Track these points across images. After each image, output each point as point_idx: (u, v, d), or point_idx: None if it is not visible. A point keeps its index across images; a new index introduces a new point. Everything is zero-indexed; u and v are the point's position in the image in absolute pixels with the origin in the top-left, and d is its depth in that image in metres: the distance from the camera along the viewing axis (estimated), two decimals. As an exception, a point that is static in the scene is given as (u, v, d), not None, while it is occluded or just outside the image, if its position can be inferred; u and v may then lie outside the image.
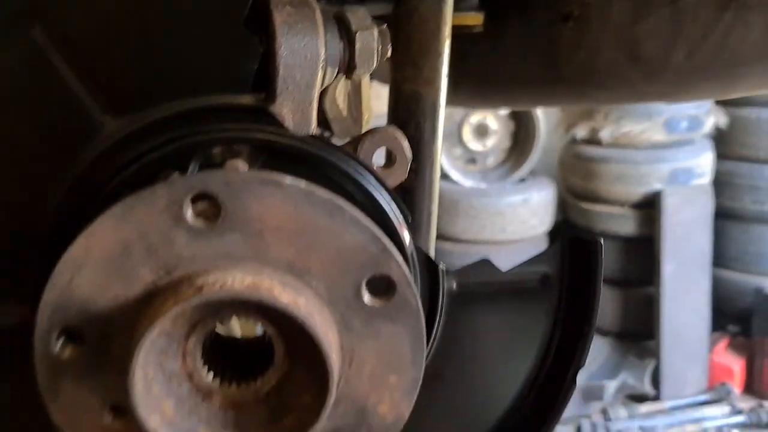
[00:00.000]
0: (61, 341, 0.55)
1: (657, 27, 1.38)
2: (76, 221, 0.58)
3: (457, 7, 1.33)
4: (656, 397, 4.69)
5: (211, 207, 0.53)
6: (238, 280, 0.52)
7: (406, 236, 0.67)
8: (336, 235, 0.55)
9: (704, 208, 4.62)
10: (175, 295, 0.53)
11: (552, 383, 0.72)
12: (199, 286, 0.52)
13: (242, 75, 0.62)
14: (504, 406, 0.74)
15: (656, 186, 4.68)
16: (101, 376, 0.56)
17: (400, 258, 0.56)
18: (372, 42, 0.69)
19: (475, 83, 1.81)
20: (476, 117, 4.97)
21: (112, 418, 0.57)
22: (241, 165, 0.61)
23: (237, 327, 0.90)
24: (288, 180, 0.53)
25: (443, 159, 4.87)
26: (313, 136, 0.64)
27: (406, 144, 0.68)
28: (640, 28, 1.38)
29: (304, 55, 0.63)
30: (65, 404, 0.57)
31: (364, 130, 0.98)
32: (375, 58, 0.70)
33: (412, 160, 0.94)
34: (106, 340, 0.55)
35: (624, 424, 4.35)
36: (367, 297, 0.57)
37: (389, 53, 0.72)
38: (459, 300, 0.70)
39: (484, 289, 0.71)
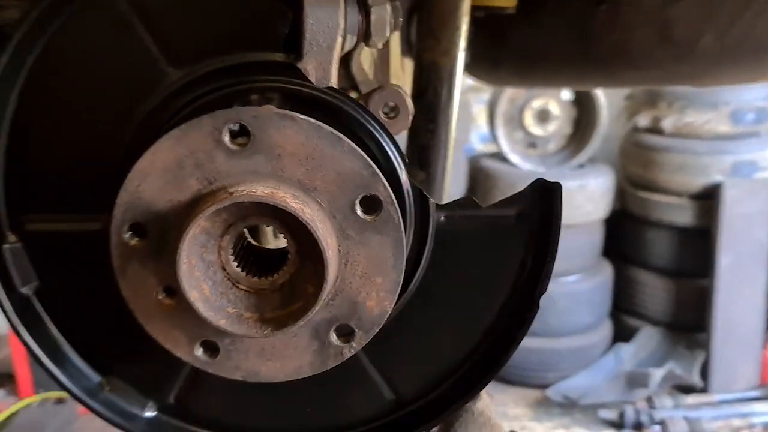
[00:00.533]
0: (129, 233, 0.73)
1: (687, 10, 1.47)
2: (144, 149, 0.76)
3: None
4: (704, 390, 4.70)
5: (243, 134, 0.70)
6: (260, 190, 0.69)
7: (402, 173, 0.82)
8: (337, 161, 0.71)
9: (765, 202, 4.57)
10: (213, 198, 0.70)
11: (521, 304, 0.87)
12: (231, 192, 0.69)
13: (276, 37, 0.79)
14: (484, 323, 0.89)
15: (717, 178, 4.66)
16: (158, 262, 0.74)
17: (386, 182, 0.72)
18: (385, 15, 0.85)
19: (514, 63, 1.93)
20: (538, 102, 5.04)
21: (164, 296, 0.75)
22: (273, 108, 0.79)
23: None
24: (300, 116, 0.70)
25: (503, 143, 4.97)
26: (331, 88, 0.80)
27: (408, 100, 0.84)
28: (672, 11, 1.48)
29: (326, 23, 0.80)
30: (131, 282, 0.75)
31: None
32: (388, 29, 0.85)
33: (430, 122, 1.10)
34: (163, 234, 0.73)
35: (669, 413, 4.39)
36: (359, 211, 0.73)
37: (400, 25, 0.87)
38: (447, 229, 0.86)
39: (467, 221, 0.85)
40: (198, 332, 0.76)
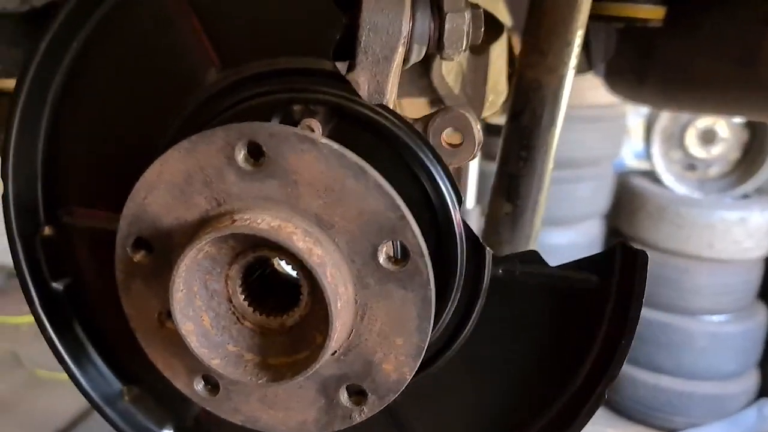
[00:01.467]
0: (134, 247, 0.66)
1: None
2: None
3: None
4: None
5: (258, 153, 0.61)
6: (266, 222, 0.59)
7: (455, 214, 0.69)
8: (360, 197, 0.60)
9: None
10: (217, 223, 0.61)
11: (584, 390, 0.71)
12: (234, 220, 0.60)
13: (327, 43, 0.68)
14: (532, 402, 0.74)
15: None
16: (161, 283, 0.67)
17: (416, 229, 0.60)
18: (462, 24, 0.72)
19: (661, 81, 1.72)
20: (704, 122, 4.60)
21: (166, 320, 0.68)
22: (314, 124, 0.68)
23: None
24: (322, 139, 0.59)
25: (659, 161, 4.59)
26: (383, 106, 0.69)
27: (476, 127, 0.70)
28: None
29: (386, 30, 0.68)
30: (134, 300, 0.68)
31: (489, 112, 1.00)
32: (464, 40, 0.72)
33: (523, 148, 0.95)
34: (168, 253, 0.66)
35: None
36: (382, 259, 0.61)
37: (481, 38, 0.74)
38: (504, 285, 0.72)
39: (529, 279, 0.71)
40: (199, 365, 0.68)
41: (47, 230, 0.81)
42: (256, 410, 0.69)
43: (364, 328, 0.64)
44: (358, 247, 0.61)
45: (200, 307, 0.65)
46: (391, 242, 0.61)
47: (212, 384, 0.70)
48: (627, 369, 4.60)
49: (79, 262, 0.83)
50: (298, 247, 0.58)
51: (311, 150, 0.59)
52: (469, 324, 0.73)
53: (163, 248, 0.66)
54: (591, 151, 4.42)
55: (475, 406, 0.76)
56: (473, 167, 3.87)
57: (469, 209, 3.78)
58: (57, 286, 0.82)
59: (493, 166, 3.41)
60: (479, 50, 0.98)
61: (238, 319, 0.66)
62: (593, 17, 1.34)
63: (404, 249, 0.60)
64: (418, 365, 0.64)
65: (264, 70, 0.71)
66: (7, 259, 0.80)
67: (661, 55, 1.69)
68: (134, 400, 0.85)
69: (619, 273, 0.68)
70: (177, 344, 0.67)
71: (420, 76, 0.88)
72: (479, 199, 3.95)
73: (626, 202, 4.65)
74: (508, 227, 0.99)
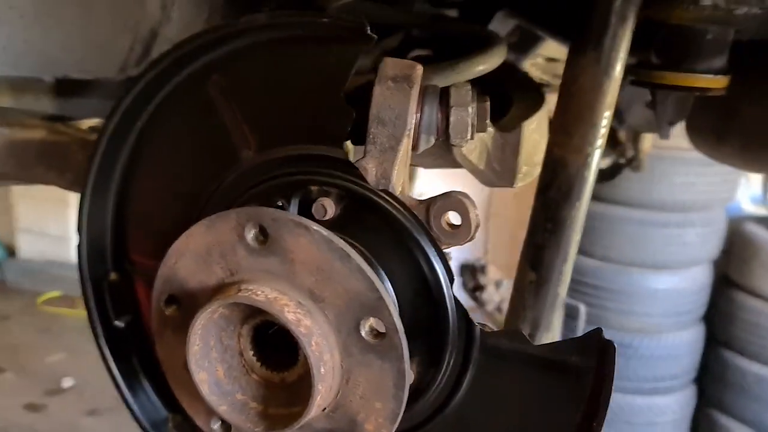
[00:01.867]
0: (166, 303, 0.78)
1: None
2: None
3: (699, 68, 1.30)
4: None
5: (263, 233, 0.71)
6: (264, 294, 0.69)
7: (446, 291, 0.76)
8: (345, 277, 0.68)
9: None
10: (227, 291, 0.71)
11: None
12: (240, 290, 0.70)
13: (339, 133, 0.77)
14: None
15: None
16: (187, 335, 0.78)
17: (393, 308, 0.68)
18: (466, 117, 0.79)
19: (740, 143, 1.70)
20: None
21: (186, 371, 0.79)
22: (327, 203, 0.78)
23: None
24: (314, 226, 0.68)
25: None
26: (387, 191, 0.77)
27: (473, 211, 0.77)
28: None
29: (392, 123, 0.77)
30: (165, 347, 0.80)
31: (522, 182, 1.07)
32: (469, 131, 0.80)
33: (549, 221, 1.01)
34: (193, 310, 0.77)
35: None
36: (364, 332, 0.69)
37: (488, 127, 0.81)
38: (492, 360, 0.78)
39: (514, 356, 0.77)
40: (215, 408, 0.79)
41: (113, 276, 0.95)
42: (261, 453, 0.78)
43: (349, 390, 0.72)
44: (343, 320, 0.70)
45: (216, 359, 0.76)
46: (367, 318, 0.68)
47: (227, 426, 0.80)
48: (733, 425, 4.37)
49: (139, 302, 0.96)
50: (287, 318, 0.67)
51: (305, 234, 0.69)
52: (461, 391, 0.79)
53: (190, 305, 0.77)
54: (702, 195, 4.27)
55: None
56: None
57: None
58: (119, 323, 0.96)
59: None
60: (508, 128, 1.04)
61: (247, 371, 0.76)
62: (652, 85, 1.36)
63: (380, 326, 0.68)
64: (394, 428, 0.71)
65: (290, 154, 0.81)
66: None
67: (740, 117, 1.66)
68: (177, 426, 0.97)
69: (597, 358, 0.73)
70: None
71: (447, 152, 0.95)
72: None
73: (739, 248, 4.43)
74: (532, 294, 1.04)
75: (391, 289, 0.78)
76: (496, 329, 0.77)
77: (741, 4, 1.16)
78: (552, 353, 0.75)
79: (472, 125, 0.80)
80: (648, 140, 2.98)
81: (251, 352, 0.76)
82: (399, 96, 0.77)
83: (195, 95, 0.83)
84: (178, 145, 0.87)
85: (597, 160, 0.99)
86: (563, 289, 1.05)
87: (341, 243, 0.68)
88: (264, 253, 0.71)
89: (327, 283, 0.69)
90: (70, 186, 1.15)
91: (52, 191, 1.40)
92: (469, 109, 0.79)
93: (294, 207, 0.80)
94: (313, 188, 0.79)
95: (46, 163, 1.21)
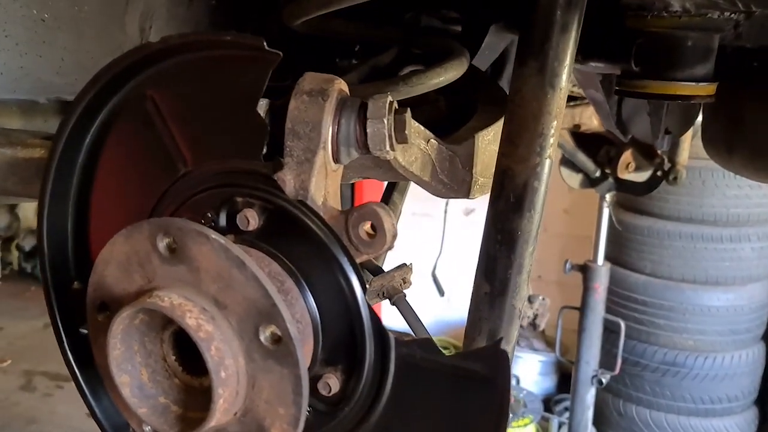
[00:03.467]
0: (98, 310, 0.82)
1: None
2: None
3: (681, 76, 1.28)
4: None
5: (173, 242, 0.74)
6: (168, 300, 0.72)
7: (360, 301, 0.78)
8: (242, 285, 0.71)
9: None
10: (140, 298, 0.75)
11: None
12: (148, 297, 0.73)
13: (257, 148, 0.80)
14: None
15: None
16: (118, 340, 0.82)
17: (287, 315, 0.70)
18: (382, 129, 0.80)
19: (749, 152, 1.65)
20: None
21: (123, 370, 0.83)
22: (250, 214, 0.81)
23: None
24: (213, 235, 0.71)
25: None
26: (301, 202, 0.79)
27: (388, 221, 0.78)
28: None
29: (307, 136, 0.79)
30: (100, 351, 0.84)
31: (479, 194, 1.07)
32: (387, 142, 0.81)
33: (499, 232, 1.01)
34: (121, 316, 0.80)
35: None
36: (263, 338, 0.71)
37: (407, 138, 0.82)
38: (409, 369, 0.78)
39: (428, 365, 0.77)
40: (145, 411, 0.82)
41: (76, 284, 1.00)
42: (185, 455, 0.81)
43: (255, 395, 0.74)
44: (244, 326, 0.72)
45: (140, 363, 0.79)
46: (264, 325, 0.71)
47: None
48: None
49: (100, 311, 1.01)
50: (188, 323, 0.70)
51: (206, 243, 0.72)
52: (381, 400, 0.80)
53: (117, 312, 0.81)
54: (757, 208, 4.10)
55: None
56: (603, 228, 3.74)
57: (599, 265, 3.66)
58: (83, 330, 1.01)
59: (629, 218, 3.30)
60: (459, 139, 1.05)
61: (170, 375, 0.80)
62: (635, 94, 1.34)
63: (275, 332, 0.70)
64: (298, 432, 0.73)
65: (220, 168, 0.84)
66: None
67: (746, 126, 1.61)
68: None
69: (492, 367, 0.73)
70: (129, 392, 0.82)
71: (387, 164, 0.97)
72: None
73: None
74: (487, 306, 1.03)
75: (311, 297, 0.81)
76: (412, 339, 0.77)
77: (711, 8, 1.14)
78: (460, 362, 0.76)
79: (389, 136, 0.81)
80: (685, 153, 2.89)
81: (173, 357, 0.79)
82: (313, 109, 0.79)
83: (135, 112, 0.88)
84: (125, 160, 0.92)
85: (547, 170, 0.98)
86: (519, 302, 1.04)
87: (238, 251, 0.71)
88: (173, 262, 0.74)
89: (228, 290, 0.72)
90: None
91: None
92: (385, 121, 0.80)
93: (222, 218, 0.83)
94: (239, 200, 0.82)
95: (46, 180, 1.29)
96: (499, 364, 0.72)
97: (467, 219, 5.93)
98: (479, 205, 5.95)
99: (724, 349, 4.26)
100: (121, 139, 0.91)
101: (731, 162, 1.71)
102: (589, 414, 4.05)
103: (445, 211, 5.83)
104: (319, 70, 0.84)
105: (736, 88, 1.52)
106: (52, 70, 1.29)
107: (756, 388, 4.44)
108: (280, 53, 0.76)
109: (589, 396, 3.97)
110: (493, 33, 1.52)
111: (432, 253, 5.95)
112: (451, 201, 5.74)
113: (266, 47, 0.75)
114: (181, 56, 0.82)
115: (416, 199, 2.09)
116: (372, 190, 5.00)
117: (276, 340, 0.71)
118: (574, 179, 3.07)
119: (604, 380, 3.92)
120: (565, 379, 5.05)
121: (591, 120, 2.60)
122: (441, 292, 5.95)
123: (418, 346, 0.78)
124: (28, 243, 8.51)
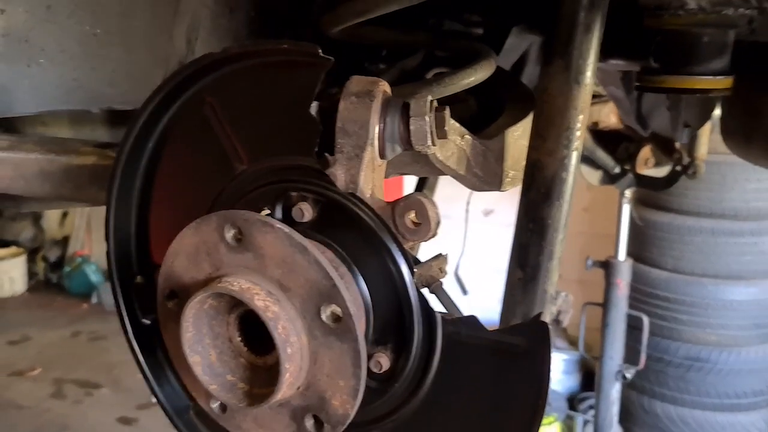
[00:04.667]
0: (167, 297, 0.90)
1: None
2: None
3: (698, 71, 1.34)
4: None
5: (239, 233, 0.82)
6: (238, 284, 0.80)
7: (409, 283, 0.85)
8: (304, 268, 0.78)
9: None
10: (211, 284, 0.83)
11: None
12: (218, 283, 0.81)
13: (310, 145, 0.88)
14: None
15: None
16: (186, 324, 0.89)
17: (347, 295, 0.77)
18: (424, 126, 0.87)
19: (765, 142, 1.70)
20: None
21: (191, 353, 0.90)
22: (304, 207, 0.88)
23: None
24: (277, 224, 0.79)
25: None
26: (353, 194, 0.86)
27: (432, 210, 0.86)
28: None
29: (356, 134, 0.86)
30: (169, 336, 0.92)
31: (510, 186, 1.15)
32: (428, 138, 0.88)
33: (531, 221, 1.08)
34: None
35: None
36: (324, 317, 0.79)
37: (446, 134, 0.89)
38: (455, 346, 0.85)
39: (473, 341, 0.84)
40: (213, 389, 0.89)
41: (139, 278, 1.08)
42: (251, 428, 0.88)
43: (317, 369, 0.81)
44: (307, 306, 0.79)
45: (209, 345, 0.87)
46: (325, 304, 0.78)
47: (223, 406, 0.90)
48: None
49: (161, 303, 1.08)
50: (257, 305, 0.78)
51: (271, 232, 0.79)
52: (429, 376, 0.87)
53: (186, 299, 0.88)
54: (777, 201, 4.13)
55: None
56: (624, 223, 3.78)
57: (621, 261, 3.71)
58: (146, 320, 1.09)
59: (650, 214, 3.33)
60: (491, 135, 1.12)
61: (236, 356, 0.87)
62: (654, 89, 1.40)
63: (335, 311, 0.77)
64: (358, 404, 0.80)
65: (275, 165, 0.92)
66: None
67: (765, 118, 1.66)
68: (197, 413, 1.09)
69: (533, 340, 0.79)
70: (198, 372, 0.90)
71: (426, 159, 1.04)
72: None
73: (821, 257, 4.24)
74: (520, 290, 1.10)
75: (363, 282, 0.88)
76: (458, 317, 0.84)
77: (726, 5, 1.20)
78: (503, 337, 0.82)
79: (431, 132, 0.88)
80: (704, 147, 2.94)
81: (239, 339, 0.87)
82: (361, 109, 0.86)
83: (194, 116, 0.96)
84: (185, 161, 1.00)
85: (575, 161, 1.05)
86: (551, 286, 1.10)
87: (300, 238, 0.78)
88: (240, 250, 0.82)
89: (291, 274, 0.79)
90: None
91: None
92: (427, 119, 0.87)
93: (278, 212, 0.91)
94: (293, 194, 0.90)
95: (98, 185, 1.37)
96: (540, 337, 0.79)
97: (486, 219, 5.99)
98: (497, 206, 6.02)
99: (748, 343, 4.28)
100: (180, 142, 0.99)
101: (749, 152, 1.76)
102: (615, 410, 4.08)
103: (467, 211, 5.89)
104: (351, 74, 0.92)
105: (753, 81, 1.58)
106: (104, 81, 1.38)
107: (781, 382, 4.46)
108: (332, 59, 0.83)
109: (614, 391, 4.01)
110: (515, 34, 1.58)
111: (454, 253, 6.01)
112: (471, 202, 5.81)
113: (321, 53, 0.82)
114: (239, 63, 0.90)
115: (437, 201, 2.16)
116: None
117: (336, 318, 0.79)
118: (594, 176, 3.13)
119: (628, 375, 3.96)
120: (588, 377, 5.09)
121: (609, 117, 2.65)
122: (464, 291, 6.00)
123: (463, 323, 0.85)
124: (53, 254, 8.70)
